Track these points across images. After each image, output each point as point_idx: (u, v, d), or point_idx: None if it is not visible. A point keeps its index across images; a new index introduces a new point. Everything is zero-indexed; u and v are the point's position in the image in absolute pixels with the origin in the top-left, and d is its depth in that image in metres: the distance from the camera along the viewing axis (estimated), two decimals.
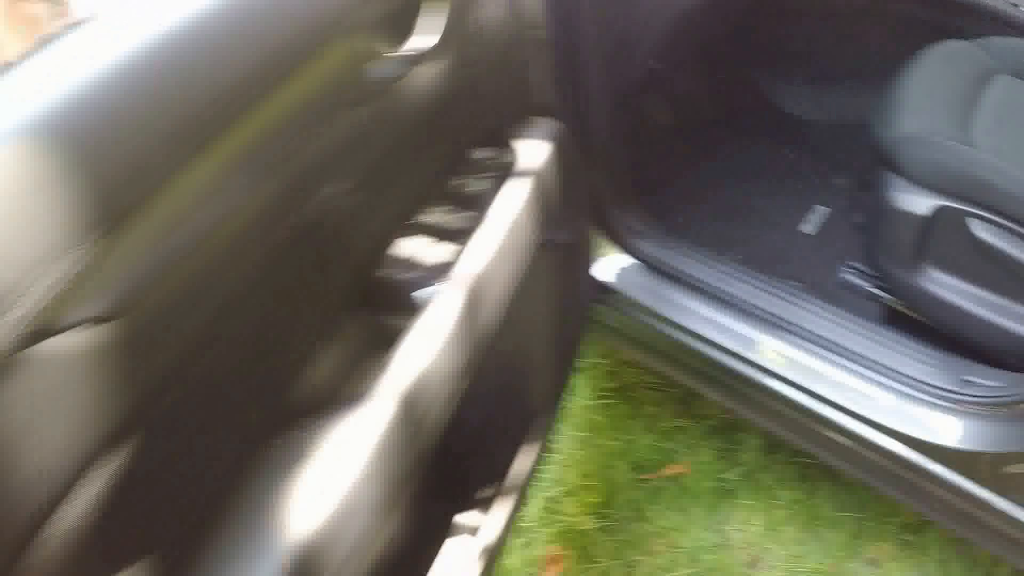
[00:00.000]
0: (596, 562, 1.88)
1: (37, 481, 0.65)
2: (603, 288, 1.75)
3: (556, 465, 2.05)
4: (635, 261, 1.74)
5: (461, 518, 1.29)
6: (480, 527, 1.29)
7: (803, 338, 1.61)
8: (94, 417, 0.70)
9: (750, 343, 1.64)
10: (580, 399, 2.16)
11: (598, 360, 2.23)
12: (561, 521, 1.95)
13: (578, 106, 1.50)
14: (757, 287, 1.68)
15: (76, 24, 0.78)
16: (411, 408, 0.92)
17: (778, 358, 1.61)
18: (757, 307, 1.65)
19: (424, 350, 0.95)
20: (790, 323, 1.62)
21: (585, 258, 1.64)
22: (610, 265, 1.76)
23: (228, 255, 0.82)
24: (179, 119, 0.77)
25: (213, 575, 0.79)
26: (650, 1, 1.53)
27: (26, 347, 0.63)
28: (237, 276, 0.84)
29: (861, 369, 1.55)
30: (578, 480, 2.01)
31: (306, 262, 0.93)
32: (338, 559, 0.84)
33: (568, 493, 1.99)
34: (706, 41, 2.00)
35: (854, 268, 1.89)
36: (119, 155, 0.71)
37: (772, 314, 1.64)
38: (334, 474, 0.85)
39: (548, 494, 1.99)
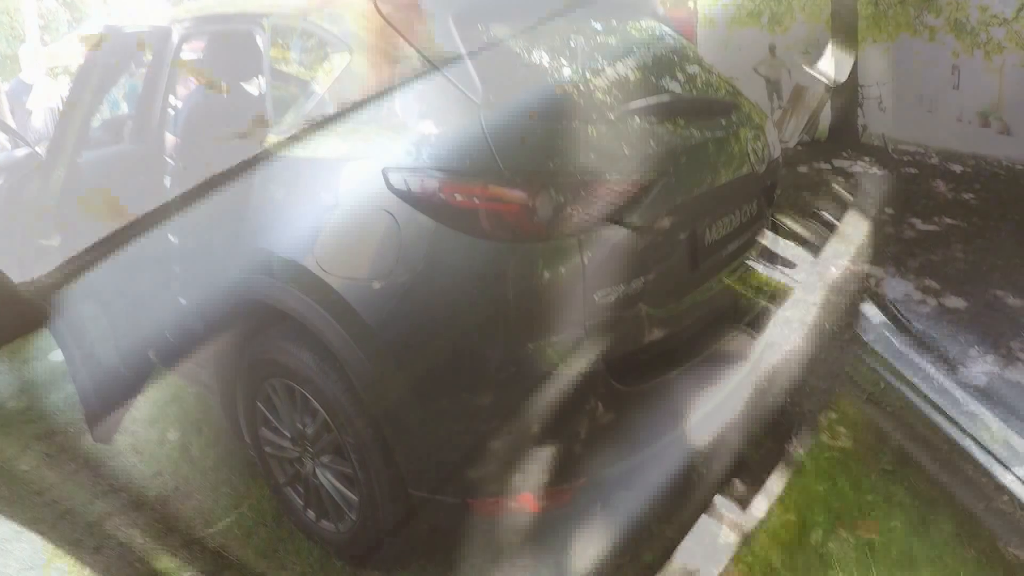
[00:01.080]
0: None
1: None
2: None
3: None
4: (883, 318, 1.88)
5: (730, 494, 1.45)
6: (743, 507, 1.44)
7: None
8: None
9: (979, 421, 1.75)
10: None
11: None
12: (751, 549, 2.06)
13: None
14: (999, 372, 1.79)
15: None
16: (772, 379, 1.10)
17: (1001, 442, 1.71)
18: (993, 390, 1.76)
19: (787, 332, 1.13)
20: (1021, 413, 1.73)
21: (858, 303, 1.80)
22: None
23: None
24: None
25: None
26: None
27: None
28: None
29: None
30: (775, 516, 2.12)
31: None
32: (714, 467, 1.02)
33: (762, 525, 2.10)
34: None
35: None
36: None
37: (1006, 400, 1.75)
38: (718, 410, 1.04)
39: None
